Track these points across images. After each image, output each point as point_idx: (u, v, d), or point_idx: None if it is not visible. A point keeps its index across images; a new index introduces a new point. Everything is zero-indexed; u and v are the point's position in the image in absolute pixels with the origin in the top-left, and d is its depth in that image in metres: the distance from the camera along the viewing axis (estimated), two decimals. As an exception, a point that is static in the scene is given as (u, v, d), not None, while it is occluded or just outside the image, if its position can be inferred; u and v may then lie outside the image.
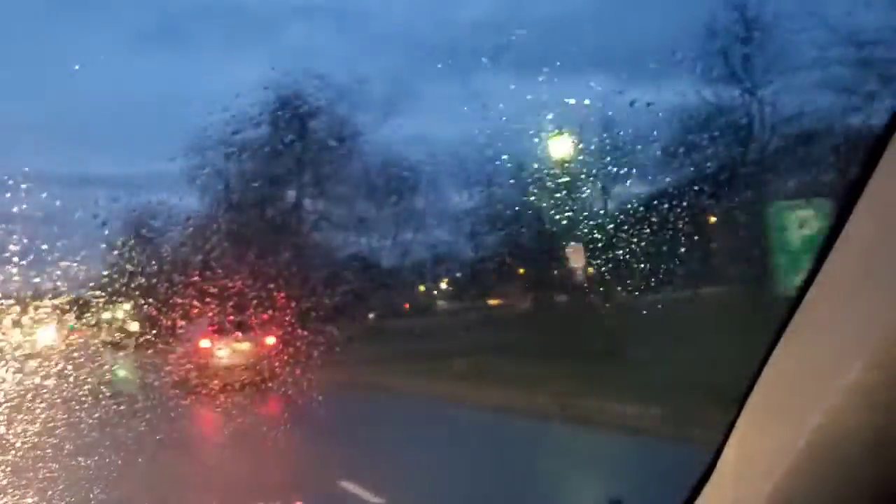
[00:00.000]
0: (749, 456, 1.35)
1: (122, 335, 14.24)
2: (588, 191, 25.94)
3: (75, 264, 12.28)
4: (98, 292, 16.12)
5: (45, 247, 9.98)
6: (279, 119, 28.86)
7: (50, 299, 11.22)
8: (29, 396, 8.84)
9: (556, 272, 19.93)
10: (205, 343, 15.80)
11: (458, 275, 32.27)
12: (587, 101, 19.50)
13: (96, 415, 8.86)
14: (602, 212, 25.08)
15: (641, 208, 17.33)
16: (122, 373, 14.75)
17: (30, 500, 6.45)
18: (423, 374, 15.32)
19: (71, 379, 9.58)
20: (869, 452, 1.05)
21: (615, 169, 21.58)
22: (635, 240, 16.74)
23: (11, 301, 10.15)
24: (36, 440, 7.70)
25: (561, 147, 23.66)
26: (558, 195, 24.85)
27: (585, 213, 26.09)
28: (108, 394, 10.01)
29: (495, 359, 14.88)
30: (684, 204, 20.15)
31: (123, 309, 16.69)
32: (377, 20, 43.48)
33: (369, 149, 28.81)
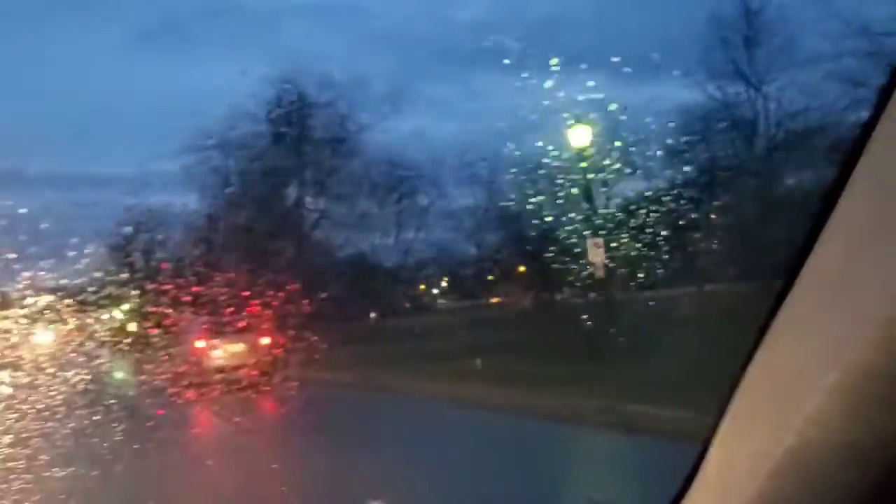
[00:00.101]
0: (733, 456, 1.33)
1: (121, 335, 14.24)
2: (591, 187, 25.95)
3: (75, 264, 12.27)
4: (96, 292, 16.13)
5: (45, 246, 9.98)
6: (279, 118, 28.88)
7: (49, 298, 11.19)
8: (27, 393, 8.82)
9: (571, 268, 19.57)
10: (200, 343, 15.70)
11: (461, 272, 32.14)
12: (588, 99, 19.49)
13: (95, 417, 8.84)
14: (606, 208, 25.10)
15: (650, 204, 17.23)
16: (119, 374, 14.75)
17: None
18: (434, 375, 14.52)
19: (68, 378, 9.56)
20: (853, 453, 1.05)
21: (618, 165, 21.58)
22: (649, 234, 16.63)
23: (18, 301, 10.15)
24: (34, 434, 7.73)
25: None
26: (561, 191, 24.86)
27: (588, 209, 26.11)
28: (106, 394, 9.99)
29: (514, 360, 14.19)
30: (703, 198, 20.06)
31: (122, 309, 16.71)
32: (377, 19, 43.41)
33: (369, 147, 28.83)
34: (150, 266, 19.81)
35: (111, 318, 15.13)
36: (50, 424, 8.14)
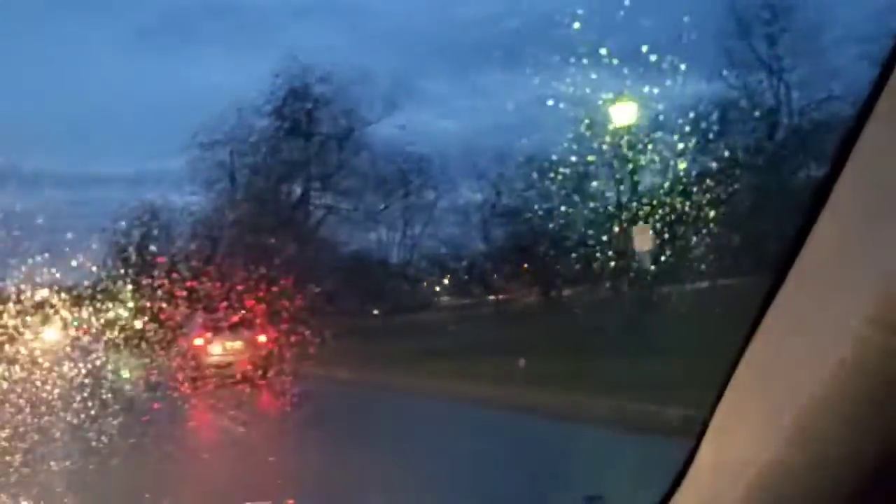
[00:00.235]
0: (725, 451, 1.34)
1: (121, 332, 14.21)
2: (602, 181, 25.79)
3: (75, 261, 12.29)
4: (96, 289, 16.15)
5: (50, 245, 9.99)
6: (283, 115, 28.82)
7: (47, 294, 11.21)
8: (33, 388, 8.84)
9: (609, 259, 18.95)
10: (198, 341, 15.63)
11: (469, 268, 31.79)
12: (594, 94, 19.35)
13: (91, 412, 8.82)
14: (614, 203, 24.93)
15: (677, 195, 16.86)
16: (117, 371, 14.72)
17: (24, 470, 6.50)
18: (446, 374, 13.50)
19: (64, 373, 9.57)
20: (845, 447, 1.05)
21: (630, 159, 21.39)
22: (684, 224, 16.24)
23: (17, 297, 10.16)
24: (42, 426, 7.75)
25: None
26: (573, 186, 24.74)
27: (596, 206, 25.95)
28: (102, 389, 9.97)
29: (547, 358, 12.49)
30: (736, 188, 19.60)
31: (123, 306, 16.70)
32: (381, 16, 43.33)
33: (374, 143, 28.72)
34: (151, 263, 19.79)
35: (112, 314, 15.10)
36: (46, 419, 8.13)
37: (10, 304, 10.23)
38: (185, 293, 13.85)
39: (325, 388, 13.49)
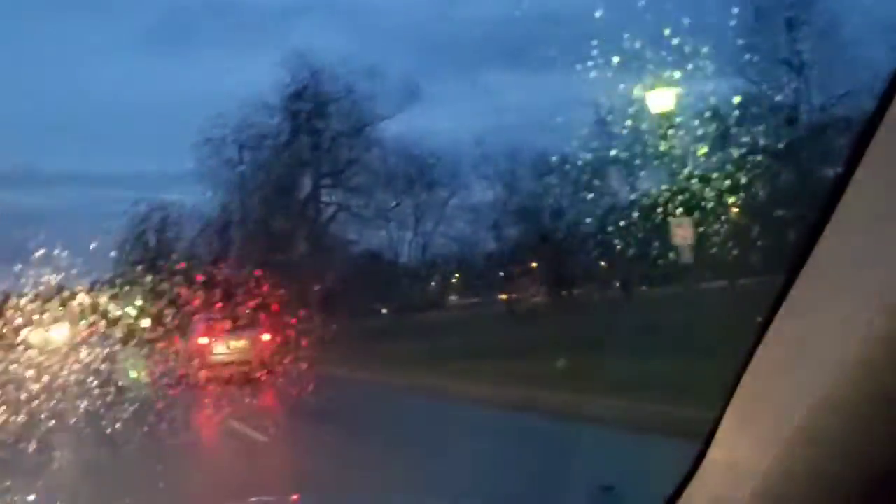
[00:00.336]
0: (734, 450, 1.35)
1: (133, 331, 14.26)
2: (613, 181, 25.58)
3: (89, 261, 12.33)
4: (110, 289, 16.23)
5: (59, 245, 10.03)
6: (292, 111, 28.76)
7: (63, 296, 11.27)
8: (44, 385, 8.89)
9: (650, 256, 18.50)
10: (203, 340, 15.57)
11: (481, 268, 31.49)
12: (607, 92, 19.20)
13: (92, 408, 8.86)
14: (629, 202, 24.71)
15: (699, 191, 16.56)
16: (132, 373, 14.77)
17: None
18: (473, 375, 12.79)
19: (82, 372, 9.64)
20: (855, 446, 1.05)
21: (639, 159, 21.18)
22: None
23: (27, 297, 10.23)
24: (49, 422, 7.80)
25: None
26: (589, 184, 24.57)
27: (610, 202, 25.76)
28: (107, 385, 10.00)
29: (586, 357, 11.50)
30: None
31: (135, 305, 16.76)
32: (389, 15, 43.39)
33: (385, 139, 28.55)
34: (160, 262, 19.89)
35: (120, 312, 15.16)
36: (52, 423, 8.17)
37: (20, 302, 10.29)
38: (193, 292, 13.87)
39: (346, 391, 13.10)
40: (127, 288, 16.07)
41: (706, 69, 14.25)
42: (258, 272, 15.26)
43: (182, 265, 15.89)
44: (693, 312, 13.11)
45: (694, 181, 16.70)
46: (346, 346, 18.20)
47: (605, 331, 13.87)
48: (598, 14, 15.70)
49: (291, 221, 27.83)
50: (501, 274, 29.99)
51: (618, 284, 28.52)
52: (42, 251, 9.67)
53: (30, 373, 9.41)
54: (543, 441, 8.00)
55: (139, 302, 16.26)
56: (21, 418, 7.84)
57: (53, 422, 8.10)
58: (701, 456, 1.45)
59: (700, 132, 16.63)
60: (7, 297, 10.90)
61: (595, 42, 16.17)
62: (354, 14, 43.33)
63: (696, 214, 15.30)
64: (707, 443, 1.42)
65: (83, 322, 13.20)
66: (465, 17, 38.04)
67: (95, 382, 9.85)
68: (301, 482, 6.49)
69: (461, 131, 43.01)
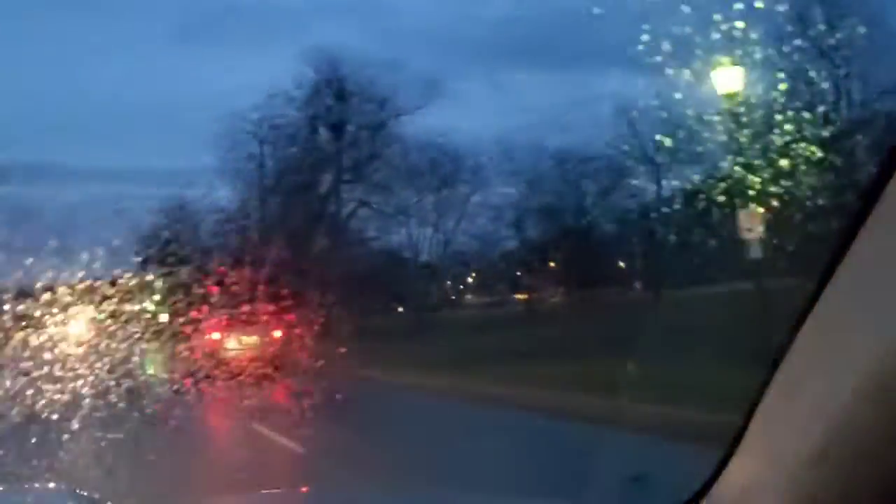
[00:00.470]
0: (759, 454, 1.36)
1: (150, 327, 14.15)
2: (642, 178, 25.19)
3: (109, 257, 12.23)
4: (129, 284, 16.13)
5: (78, 239, 9.96)
6: (313, 106, 28.69)
7: (77, 288, 11.18)
8: (63, 379, 8.82)
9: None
10: (215, 335, 15.46)
11: (504, 266, 31.08)
12: (628, 91, 18.97)
13: (104, 402, 8.76)
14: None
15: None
16: (150, 368, 14.66)
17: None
18: (513, 379, 12.24)
19: (99, 367, 9.54)
20: (882, 452, 1.06)
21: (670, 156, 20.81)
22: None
23: (45, 292, 10.17)
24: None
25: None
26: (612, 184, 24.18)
27: (638, 200, 25.30)
28: (135, 383, 9.92)
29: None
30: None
31: (153, 300, 16.68)
32: (411, 13, 43.21)
33: (406, 135, 28.40)
34: (180, 257, 19.80)
35: (138, 307, 15.04)
36: (63, 420, 8.06)
37: (41, 296, 10.24)
38: (211, 288, 13.74)
39: (379, 394, 12.76)
40: (145, 283, 15.98)
41: (741, 61, 13.77)
42: (276, 268, 15.12)
43: (201, 260, 15.82)
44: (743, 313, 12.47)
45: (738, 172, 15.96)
46: (372, 346, 17.94)
47: (639, 333, 13.44)
48: (621, 10, 15.43)
49: (311, 217, 27.70)
50: (518, 273, 29.69)
51: (639, 286, 28.13)
52: (61, 245, 9.63)
53: (42, 363, 9.37)
54: (586, 445, 7.45)
55: (157, 296, 16.19)
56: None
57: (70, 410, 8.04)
58: (728, 456, 1.48)
59: (736, 124, 16.08)
60: (23, 291, 10.87)
61: (620, 39, 15.89)
62: (377, 12, 43.26)
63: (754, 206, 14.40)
64: (736, 442, 1.45)
65: (100, 316, 13.10)
66: (489, 15, 37.81)
67: (114, 374, 9.79)
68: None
69: (483, 128, 42.69)
